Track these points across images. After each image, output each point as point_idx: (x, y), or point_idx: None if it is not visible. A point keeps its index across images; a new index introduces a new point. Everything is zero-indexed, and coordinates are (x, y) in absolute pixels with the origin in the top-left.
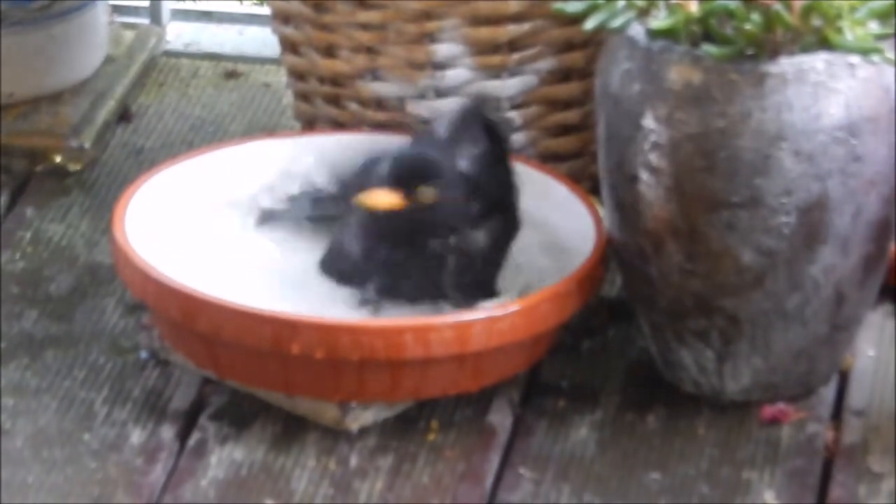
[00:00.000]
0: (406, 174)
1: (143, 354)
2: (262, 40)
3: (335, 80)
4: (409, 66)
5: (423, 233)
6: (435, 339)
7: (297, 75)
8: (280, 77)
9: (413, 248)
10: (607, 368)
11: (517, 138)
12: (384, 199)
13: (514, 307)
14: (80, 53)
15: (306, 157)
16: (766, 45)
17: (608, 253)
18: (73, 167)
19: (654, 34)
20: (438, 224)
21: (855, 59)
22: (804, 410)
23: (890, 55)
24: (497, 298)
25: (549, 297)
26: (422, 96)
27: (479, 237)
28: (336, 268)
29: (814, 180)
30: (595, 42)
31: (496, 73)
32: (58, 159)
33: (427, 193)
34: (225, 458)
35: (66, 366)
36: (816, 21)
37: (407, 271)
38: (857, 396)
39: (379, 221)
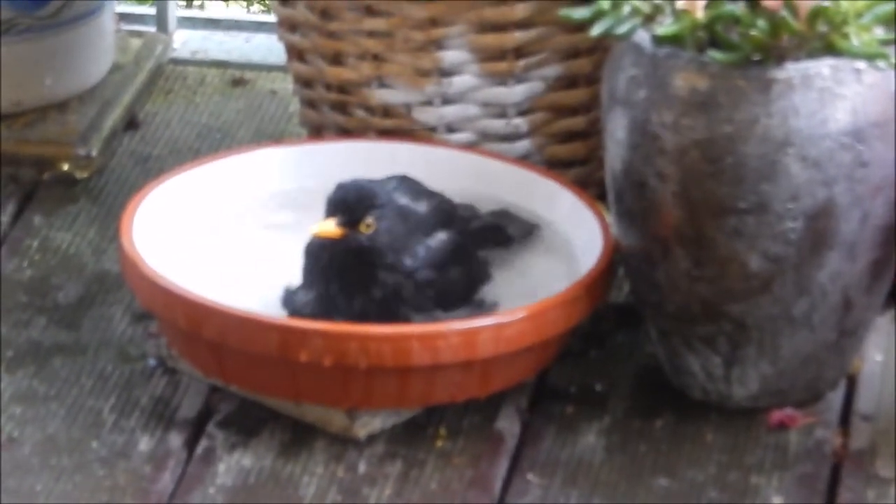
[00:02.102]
0: (349, 203)
1: (151, 362)
2: (269, 48)
3: (342, 88)
4: (415, 73)
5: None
6: (442, 346)
7: (304, 82)
8: (287, 84)
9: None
10: (615, 374)
11: (524, 145)
12: (327, 229)
13: (521, 313)
14: (87, 61)
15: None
16: (772, 51)
17: (615, 259)
18: (81, 175)
19: (659, 40)
20: (377, 253)
21: (861, 64)
22: (812, 415)
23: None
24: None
25: (556, 304)
26: (428, 103)
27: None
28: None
29: (820, 186)
30: (601, 48)
31: (502, 79)
32: (65, 167)
33: (368, 223)
34: (233, 465)
35: (74, 374)
36: (822, 27)
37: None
38: (864, 401)
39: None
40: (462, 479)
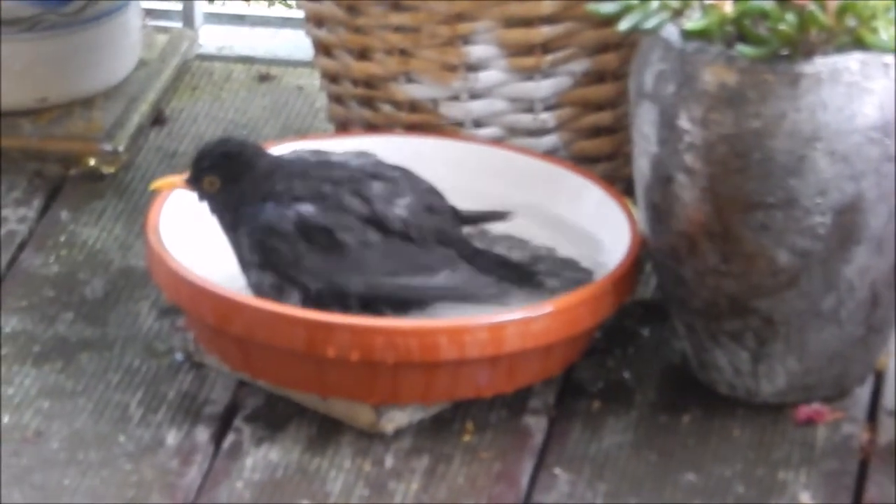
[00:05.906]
0: (199, 159)
1: (178, 357)
2: (296, 43)
3: (368, 83)
4: (442, 69)
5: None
6: (469, 341)
7: (331, 78)
8: (313, 80)
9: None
10: (642, 370)
11: (551, 140)
12: (165, 182)
13: (548, 308)
14: (114, 57)
15: None
16: (801, 46)
17: (643, 254)
18: (107, 171)
19: (688, 35)
20: (219, 213)
21: (889, 58)
22: (839, 411)
23: None
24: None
25: (583, 299)
26: (455, 98)
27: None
28: None
29: (848, 181)
30: (629, 43)
31: (530, 74)
32: (91, 163)
33: (210, 182)
34: (260, 459)
35: (101, 369)
36: (851, 21)
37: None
38: (891, 397)
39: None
40: (489, 474)
